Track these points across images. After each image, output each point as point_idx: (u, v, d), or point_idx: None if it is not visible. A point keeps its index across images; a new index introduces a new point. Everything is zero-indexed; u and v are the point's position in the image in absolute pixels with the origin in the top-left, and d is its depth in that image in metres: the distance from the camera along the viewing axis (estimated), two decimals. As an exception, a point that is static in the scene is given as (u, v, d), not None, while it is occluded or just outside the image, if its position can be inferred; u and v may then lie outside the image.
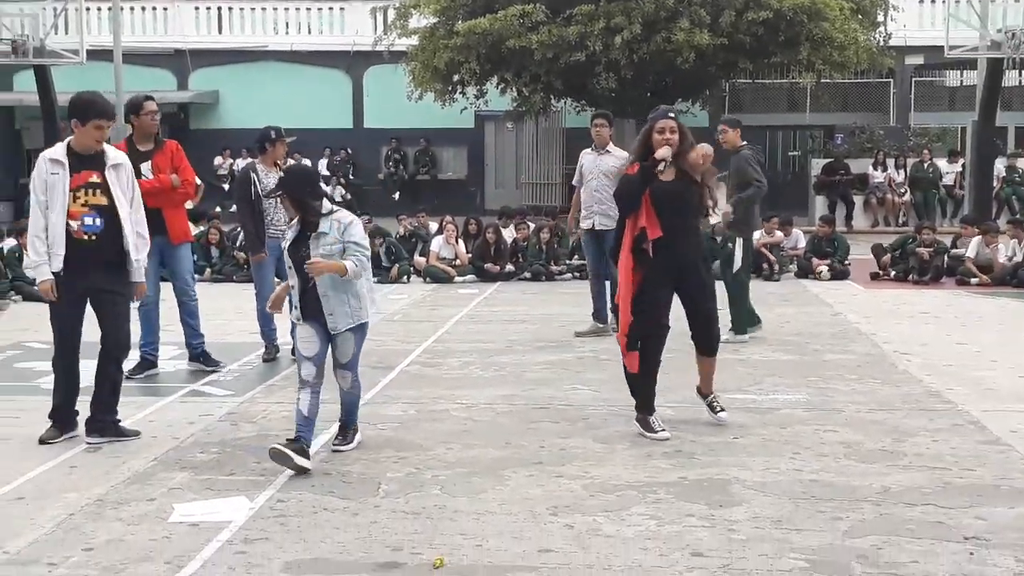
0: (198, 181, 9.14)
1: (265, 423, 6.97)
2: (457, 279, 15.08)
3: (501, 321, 11.40)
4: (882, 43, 24.40)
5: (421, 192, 28.13)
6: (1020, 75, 28.05)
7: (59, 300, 6.34)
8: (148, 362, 8.44)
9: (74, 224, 6.27)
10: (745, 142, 10.17)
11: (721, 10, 21.33)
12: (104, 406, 6.48)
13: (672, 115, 6.69)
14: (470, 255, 15.53)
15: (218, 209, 22.06)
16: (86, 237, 6.31)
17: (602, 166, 10.22)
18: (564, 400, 7.61)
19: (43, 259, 6.29)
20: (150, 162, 8.18)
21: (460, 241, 15.85)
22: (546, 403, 7.52)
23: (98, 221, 6.32)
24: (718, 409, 6.95)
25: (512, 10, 21.75)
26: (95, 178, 6.33)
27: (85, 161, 6.35)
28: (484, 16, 22.03)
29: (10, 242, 14.02)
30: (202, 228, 16.17)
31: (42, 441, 6.41)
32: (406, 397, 7.70)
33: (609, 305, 9.90)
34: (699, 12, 21.24)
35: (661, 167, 6.48)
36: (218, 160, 27.51)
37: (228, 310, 11.98)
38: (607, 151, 10.33)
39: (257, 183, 8.67)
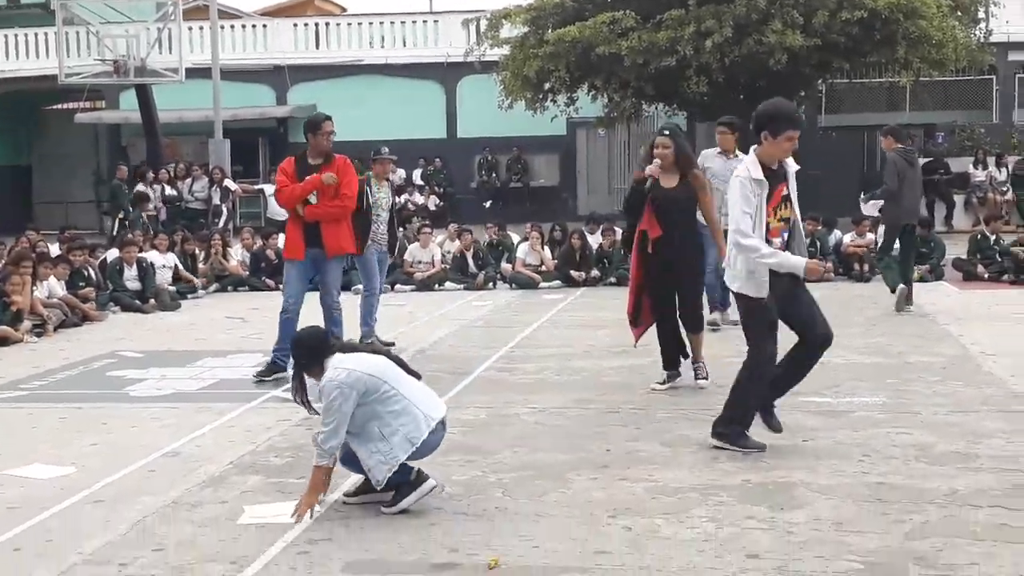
0: None
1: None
2: (543, 285, 15.16)
3: (582, 326, 11.45)
4: (982, 40, 23.81)
5: (514, 200, 28.32)
6: None
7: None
8: (278, 366, 8.65)
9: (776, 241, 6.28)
10: (900, 144, 11.79)
11: (814, 11, 21.02)
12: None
13: (667, 132, 7.86)
14: (556, 261, 15.60)
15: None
16: None
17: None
18: (635, 404, 7.63)
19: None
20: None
21: (546, 247, 15.92)
22: (618, 407, 7.55)
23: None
24: (700, 376, 8.02)
25: (602, 17, 21.78)
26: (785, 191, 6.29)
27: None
28: (574, 24, 22.11)
29: (112, 253, 14.49)
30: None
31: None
32: (479, 402, 7.79)
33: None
34: (791, 13, 20.98)
35: (648, 184, 7.69)
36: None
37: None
38: (736, 156, 10.14)
39: (368, 195, 9.76)
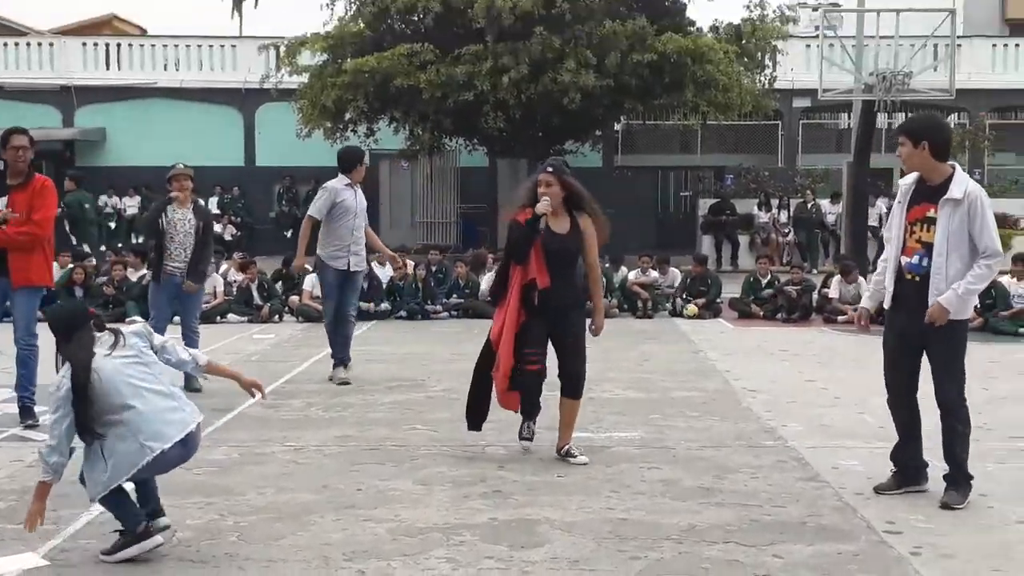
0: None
1: (75, 467, 6.70)
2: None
3: (361, 361, 11.22)
4: (767, 86, 24.86)
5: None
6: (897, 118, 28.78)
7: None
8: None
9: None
10: None
11: (607, 52, 21.57)
12: None
13: (551, 168, 6.85)
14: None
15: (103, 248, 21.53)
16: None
17: (361, 203, 10.03)
18: (398, 441, 7.48)
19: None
20: (7, 197, 7.82)
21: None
22: (378, 444, 7.39)
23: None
24: (576, 455, 6.91)
25: (400, 49, 21.79)
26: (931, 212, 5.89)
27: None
28: (372, 55, 22.03)
29: None
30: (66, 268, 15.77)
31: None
32: (235, 440, 7.50)
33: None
34: (585, 53, 21.47)
35: (542, 223, 6.72)
36: (103, 199, 26.88)
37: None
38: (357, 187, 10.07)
39: (163, 219, 9.50)
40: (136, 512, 5.14)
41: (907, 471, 6.10)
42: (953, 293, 5.74)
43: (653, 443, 7.40)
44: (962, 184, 5.79)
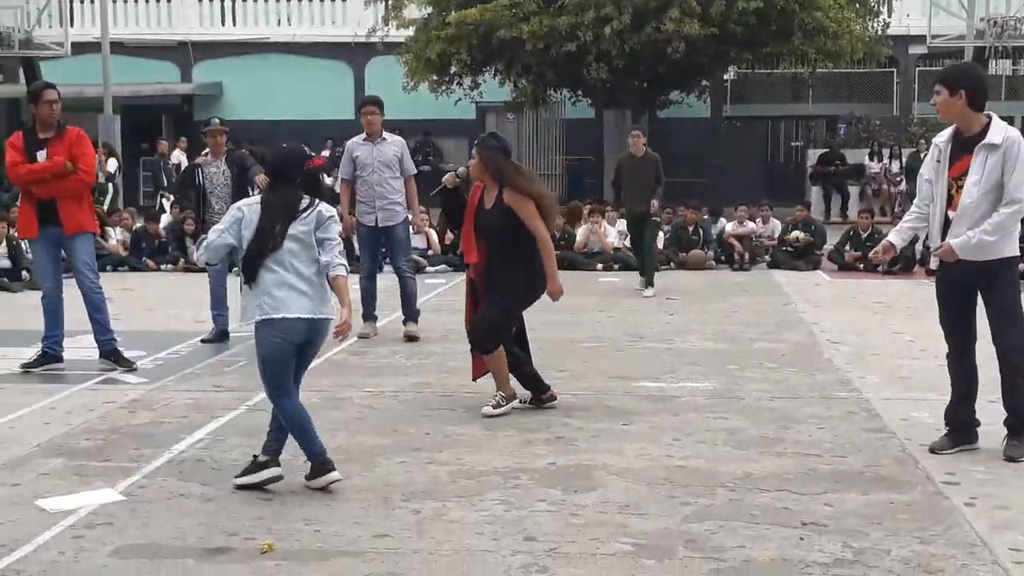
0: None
1: (164, 410, 7.04)
2: (428, 269, 15.11)
3: (450, 310, 11.41)
4: (880, 32, 24.17)
5: (422, 183, 28.16)
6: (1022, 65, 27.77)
7: None
8: (48, 356, 8.35)
9: None
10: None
11: (712, 0, 21.23)
12: None
13: (476, 142, 7.02)
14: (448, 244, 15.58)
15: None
16: None
17: (380, 156, 9.90)
18: (472, 388, 7.58)
19: None
20: (45, 150, 8.04)
21: (433, 231, 15.88)
22: (452, 391, 7.54)
23: None
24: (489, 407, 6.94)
25: (503, 0, 21.77)
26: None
27: None
28: (476, 6, 22.07)
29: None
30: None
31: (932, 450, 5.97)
32: (317, 385, 7.68)
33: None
34: (689, 2, 21.12)
35: (438, 191, 7.07)
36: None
37: (186, 299, 12.06)
38: (382, 139, 9.98)
39: (199, 174, 9.67)
40: (317, 441, 5.44)
41: (960, 429, 6.00)
42: (966, 238, 5.67)
43: (725, 393, 7.41)
44: (1000, 130, 5.69)
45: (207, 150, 9.77)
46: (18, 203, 15.63)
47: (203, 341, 9.43)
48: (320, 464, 5.41)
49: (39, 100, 8.09)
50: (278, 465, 5.46)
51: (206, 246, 5.48)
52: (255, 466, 5.45)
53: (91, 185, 8.32)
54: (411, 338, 9.61)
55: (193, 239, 15.89)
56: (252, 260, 5.31)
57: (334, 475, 5.39)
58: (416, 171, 10.20)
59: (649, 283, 12.59)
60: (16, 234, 13.45)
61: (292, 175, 5.44)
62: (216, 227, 5.48)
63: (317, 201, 5.43)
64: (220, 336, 9.51)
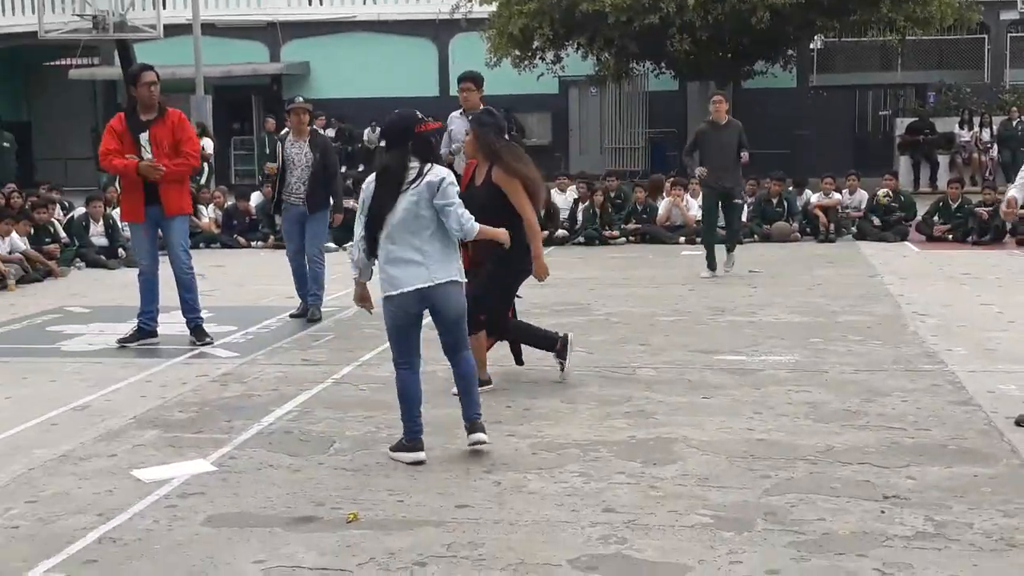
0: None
1: (255, 383, 7.20)
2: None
3: (530, 285, 11.41)
4: (971, -1, 23.57)
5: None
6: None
7: None
8: (143, 331, 8.53)
9: None
10: None
11: (797, -32, 20.89)
12: None
13: (470, 118, 6.94)
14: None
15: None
16: None
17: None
18: (551, 363, 7.60)
19: None
20: (147, 132, 8.17)
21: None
22: (534, 364, 7.57)
23: None
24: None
25: (585, -27, 21.66)
26: None
27: None
28: (558, -20, 22.00)
29: (79, 211, 14.55)
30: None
31: None
32: (402, 358, 7.82)
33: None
34: (774, -29, 20.84)
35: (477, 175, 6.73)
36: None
37: (275, 275, 12.25)
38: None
39: (280, 151, 9.64)
40: (416, 420, 5.49)
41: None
42: None
43: (808, 367, 7.34)
44: None
45: (287, 128, 9.80)
46: (117, 184, 16.03)
47: (292, 316, 9.58)
48: (407, 439, 5.49)
49: (139, 82, 8.19)
50: (481, 430, 5.54)
51: (355, 263, 5.48)
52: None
53: (195, 169, 8.46)
54: None
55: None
56: (370, 235, 5.33)
57: (414, 455, 5.43)
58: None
59: (732, 250, 11.76)
60: (113, 213, 13.84)
61: (403, 140, 5.36)
62: (356, 229, 5.42)
63: (428, 167, 5.33)
64: (303, 311, 9.59)
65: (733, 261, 11.80)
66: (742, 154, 11.26)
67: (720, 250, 11.68)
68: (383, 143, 5.58)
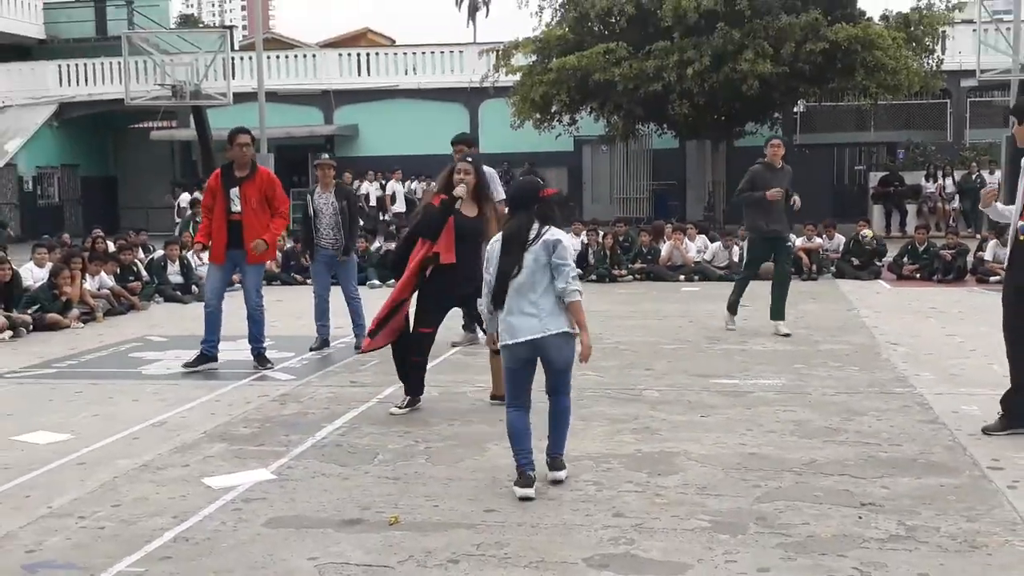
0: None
1: (309, 402, 7.21)
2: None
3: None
4: (935, 68, 23.54)
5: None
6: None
7: None
8: (206, 357, 8.54)
9: None
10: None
11: (783, 42, 20.92)
12: None
13: (470, 159, 6.85)
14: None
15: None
16: None
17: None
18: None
19: None
20: (239, 188, 8.18)
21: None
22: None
23: None
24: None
25: (598, 48, 21.80)
26: None
27: None
28: (574, 54, 22.13)
29: (158, 253, 14.66)
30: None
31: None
32: (437, 381, 7.80)
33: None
34: (762, 44, 20.89)
35: (458, 204, 6.63)
36: (356, 183, 28.02)
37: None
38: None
39: (310, 203, 9.44)
40: (524, 452, 5.18)
41: (1013, 414, 5.83)
42: None
43: (793, 389, 7.30)
44: None
45: (317, 183, 9.64)
46: (191, 229, 16.01)
47: (311, 349, 9.33)
48: (518, 473, 5.14)
49: (233, 143, 8.20)
50: (559, 468, 5.30)
51: (484, 315, 5.40)
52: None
53: (286, 226, 8.40)
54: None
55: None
56: (498, 289, 5.16)
57: (523, 491, 5.06)
58: (503, 196, 9.77)
59: (781, 315, 9.96)
60: (187, 255, 13.94)
61: (528, 204, 5.19)
62: (484, 290, 5.27)
63: (545, 228, 5.12)
64: (323, 344, 9.43)
65: (784, 329, 9.80)
66: (794, 199, 9.72)
67: (747, 302, 10.39)
68: (509, 207, 5.31)
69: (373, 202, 25.72)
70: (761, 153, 9.98)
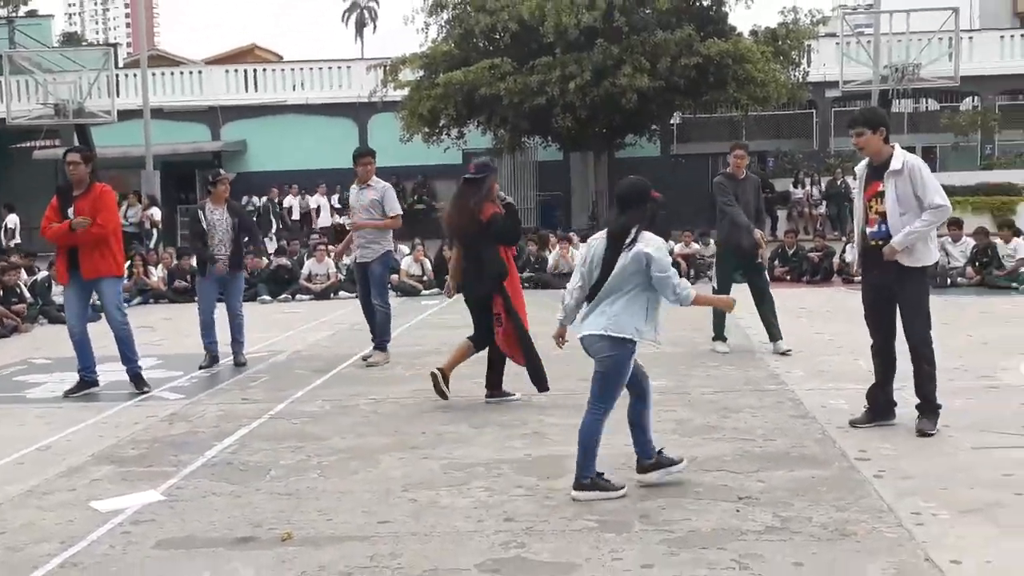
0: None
1: (199, 421, 7.03)
2: (424, 292, 15.13)
3: (446, 327, 11.40)
4: (801, 80, 24.38)
5: (418, 220, 28.21)
6: (922, 103, 28.11)
7: None
8: (85, 382, 8.18)
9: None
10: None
11: (659, 57, 21.40)
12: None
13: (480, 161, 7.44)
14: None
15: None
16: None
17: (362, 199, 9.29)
18: (463, 393, 7.59)
19: None
20: (73, 206, 7.88)
21: (427, 260, 15.92)
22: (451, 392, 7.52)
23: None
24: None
25: (483, 63, 21.97)
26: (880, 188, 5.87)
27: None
28: (460, 69, 22.21)
29: (42, 274, 14.12)
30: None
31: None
32: (328, 395, 7.73)
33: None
34: (640, 60, 21.35)
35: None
36: (243, 199, 27.48)
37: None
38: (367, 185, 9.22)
39: (202, 218, 9.17)
40: (635, 444, 5.19)
41: (878, 407, 6.07)
42: (901, 235, 5.76)
43: (675, 390, 7.44)
44: (900, 158, 5.83)
45: (208, 199, 9.36)
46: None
47: (201, 367, 9.06)
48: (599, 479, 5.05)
49: (65, 162, 7.98)
50: (678, 461, 5.20)
51: (564, 307, 5.25)
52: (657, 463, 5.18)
53: (104, 237, 7.87)
54: (371, 364, 9.01)
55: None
56: (594, 286, 5.01)
57: (573, 493, 4.98)
58: (399, 211, 9.30)
59: (778, 335, 9.02)
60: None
61: (641, 203, 4.96)
62: (574, 278, 5.14)
63: (640, 236, 4.89)
64: (212, 361, 9.19)
65: (783, 347, 8.94)
66: (760, 253, 9.11)
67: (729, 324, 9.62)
68: (616, 207, 5.07)
69: (296, 216, 25.36)
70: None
